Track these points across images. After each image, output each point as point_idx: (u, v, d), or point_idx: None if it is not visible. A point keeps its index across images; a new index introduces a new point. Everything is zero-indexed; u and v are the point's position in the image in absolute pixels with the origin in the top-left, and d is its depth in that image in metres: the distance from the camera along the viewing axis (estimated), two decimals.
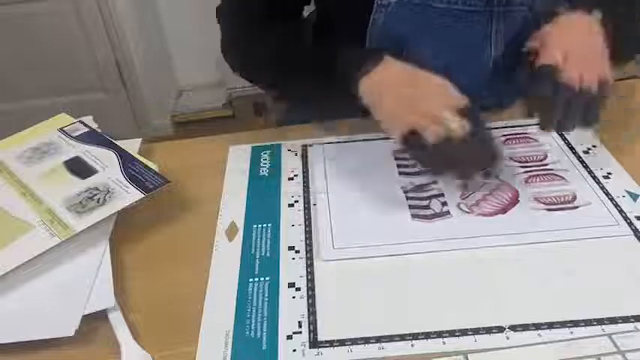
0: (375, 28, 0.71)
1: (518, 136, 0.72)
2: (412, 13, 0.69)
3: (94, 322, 0.52)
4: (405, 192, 0.64)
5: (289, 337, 0.49)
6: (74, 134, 0.72)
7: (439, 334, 0.48)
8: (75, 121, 0.75)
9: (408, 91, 0.61)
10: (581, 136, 0.70)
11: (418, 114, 0.58)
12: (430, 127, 0.56)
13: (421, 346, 0.48)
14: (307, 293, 0.53)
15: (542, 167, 0.66)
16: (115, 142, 0.70)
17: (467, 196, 0.63)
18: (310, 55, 0.72)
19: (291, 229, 0.61)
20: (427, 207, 0.62)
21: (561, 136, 0.71)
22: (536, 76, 0.62)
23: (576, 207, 0.60)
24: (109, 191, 0.62)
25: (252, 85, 0.88)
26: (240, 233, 0.61)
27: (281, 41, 0.74)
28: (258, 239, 0.60)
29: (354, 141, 0.74)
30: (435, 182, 0.65)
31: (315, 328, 0.50)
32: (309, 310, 0.52)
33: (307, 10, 0.93)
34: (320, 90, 0.70)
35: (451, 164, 0.58)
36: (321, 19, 0.87)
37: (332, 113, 0.77)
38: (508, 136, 0.72)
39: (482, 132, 0.58)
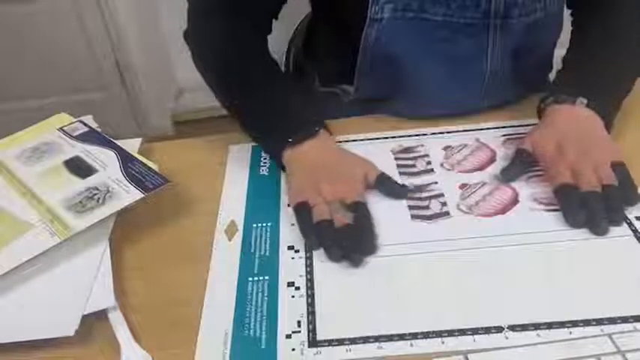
0: (369, 41, 0.70)
1: (518, 136, 0.72)
2: (407, 27, 0.69)
3: (94, 322, 0.52)
4: None
5: (288, 337, 0.49)
6: (74, 134, 0.73)
7: (438, 334, 0.48)
8: (75, 120, 0.75)
9: (319, 173, 0.63)
10: None
11: (316, 192, 0.61)
12: (319, 205, 0.59)
13: (420, 346, 0.48)
14: (306, 293, 0.53)
15: (541, 167, 0.66)
16: (115, 141, 0.70)
17: (466, 197, 0.63)
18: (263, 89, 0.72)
19: (290, 229, 0.61)
20: (427, 207, 0.62)
21: None
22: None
23: None
24: (108, 191, 0.62)
25: None
26: (240, 232, 0.61)
27: (244, 54, 0.73)
28: (258, 238, 0.60)
29: (354, 140, 0.74)
30: (435, 182, 0.65)
31: (314, 328, 0.50)
32: (308, 309, 0.52)
33: (304, 13, 0.93)
34: (252, 127, 0.72)
35: (324, 243, 0.57)
36: (317, 22, 0.87)
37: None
38: (508, 136, 0.72)
39: (364, 224, 0.59)
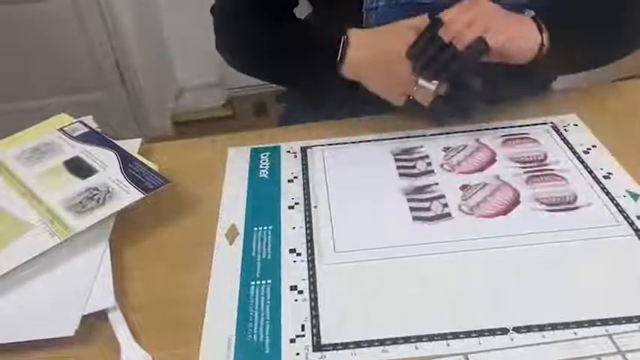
0: None
1: (518, 136, 0.72)
2: (401, 13, 0.69)
3: (94, 322, 0.52)
4: (406, 194, 0.64)
5: (292, 341, 0.49)
6: (74, 134, 0.72)
7: (443, 336, 0.48)
8: (75, 121, 0.75)
9: (383, 68, 0.67)
10: (579, 136, 0.70)
11: (401, 85, 0.67)
12: (416, 93, 0.66)
13: (425, 349, 0.47)
14: (310, 296, 0.53)
15: (542, 168, 0.66)
16: (115, 142, 0.70)
17: (468, 198, 0.63)
18: (302, 39, 0.75)
19: (291, 232, 0.61)
20: (428, 209, 0.62)
21: (560, 135, 0.71)
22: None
23: (577, 207, 0.60)
24: (108, 191, 0.62)
25: (252, 85, 0.90)
26: (241, 236, 0.61)
27: (278, 30, 0.76)
28: (259, 242, 0.60)
29: (354, 142, 0.74)
30: (435, 184, 0.65)
31: (319, 332, 0.50)
32: (311, 313, 0.51)
33: (303, 13, 0.93)
34: (310, 70, 0.73)
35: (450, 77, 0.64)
36: (317, 21, 0.87)
37: (327, 94, 0.80)
38: (508, 136, 0.72)
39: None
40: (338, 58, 0.68)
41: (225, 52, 0.82)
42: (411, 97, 0.67)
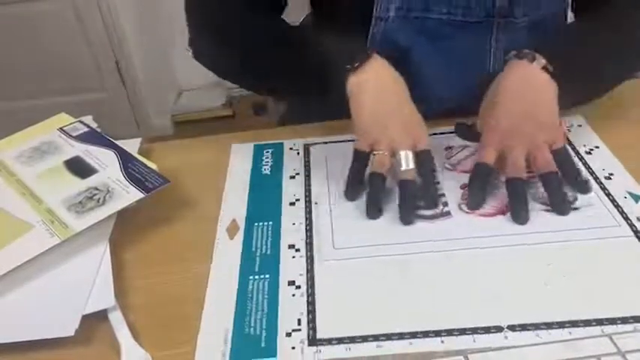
0: (375, 41, 0.71)
1: None
2: (411, 25, 0.69)
3: (94, 322, 0.52)
4: None
5: (288, 335, 0.49)
6: (74, 134, 0.72)
7: (437, 333, 0.48)
8: (75, 120, 0.75)
9: (385, 105, 0.62)
10: (582, 137, 0.70)
11: (383, 136, 0.60)
12: (381, 155, 0.60)
13: (419, 345, 0.47)
14: (307, 291, 0.53)
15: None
16: (115, 141, 0.70)
17: (468, 197, 0.62)
18: (305, 47, 0.68)
19: (291, 228, 0.61)
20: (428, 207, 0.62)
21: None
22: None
23: (577, 208, 0.60)
24: (108, 191, 0.62)
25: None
26: (241, 231, 0.61)
27: (269, 31, 0.70)
28: (259, 237, 0.60)
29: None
30: (437, 183, 0.65)
31: (315, 326, 0.50)
32: (308, 308, 0.52)
33: (302, 14, 0.93)
34: (313, 82, 0.67)
35: (370, 198, 0.60)
36: (318, 23, 0.86)
37: (326, 110, 0.74)
38: None
39: (428, 181, 0.61)
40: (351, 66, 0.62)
41: (206, 49, 0.74)
42: (373, 153, 0.61)
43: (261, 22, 0.71)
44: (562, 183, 0.60)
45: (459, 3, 0.67)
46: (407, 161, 0.59)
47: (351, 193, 0.63)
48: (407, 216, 0.59)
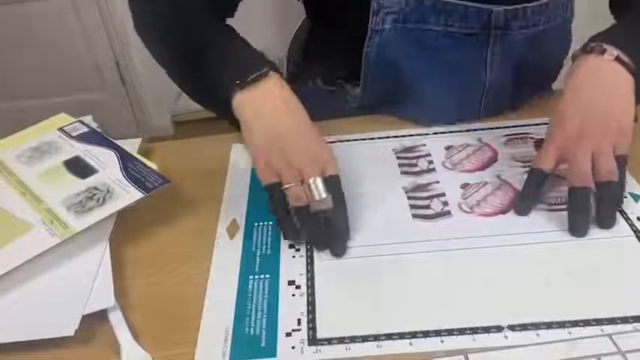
0: (371, 52, 0.70)
1: (518, 136, 0.71)
2: (408, 37, 0.68)
3: (94, 322, 0.52)
4: (407, 192, 0.64)
5: (288, 335, 0.49)
6: (74, 134, 0.72)
7: (438, 333, 0.48)
8: (75, 120, 0.75)
9: (282, 129, 0.57)
10: None
11: (287, 166, 0.55)
12: (294, 188, 0.55)
13: (420, 345, 0.47)
14: (307, 291, 0.53)
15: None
16: (114, 141, 0.70)
17: (468, 197, 0.63)
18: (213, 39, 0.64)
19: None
20: (428, 207, 0.62)
21: None
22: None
23: None
24: (108, 191, 0.62)
25: None
26: (241, 231, 0.61)
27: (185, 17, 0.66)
28: (259, 237, 0.60)
29: (356, 140, 0.74)
30: (437, 182, 0.65)
31: (315, 326, 0.50)
32: (308, 307, 0.52)
33: (299, 17, 0.93)
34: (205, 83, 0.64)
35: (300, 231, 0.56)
36: (314, 29, 0.86)
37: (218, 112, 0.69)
38: (509, 136, 0.72)
39: (338, 209, 0.56)
40: (239, 83, 0.58)
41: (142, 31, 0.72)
42: (283, 188, 0.56)
43: (195, 19, 0.67)
44: (620, 197, 0.57)
45: (455, 15, 0.66)
46: (318, 191, 0.55)
47: (292, 233, 0.57)
48: (340, 251, 0.56)
